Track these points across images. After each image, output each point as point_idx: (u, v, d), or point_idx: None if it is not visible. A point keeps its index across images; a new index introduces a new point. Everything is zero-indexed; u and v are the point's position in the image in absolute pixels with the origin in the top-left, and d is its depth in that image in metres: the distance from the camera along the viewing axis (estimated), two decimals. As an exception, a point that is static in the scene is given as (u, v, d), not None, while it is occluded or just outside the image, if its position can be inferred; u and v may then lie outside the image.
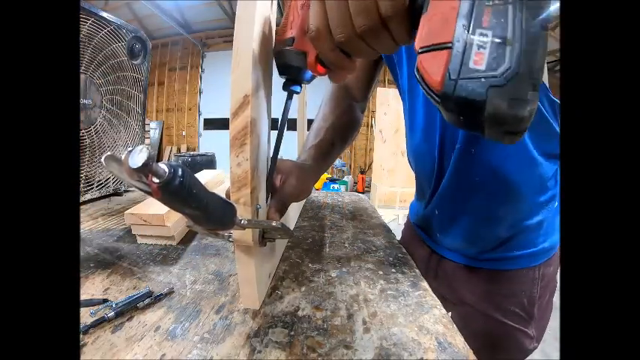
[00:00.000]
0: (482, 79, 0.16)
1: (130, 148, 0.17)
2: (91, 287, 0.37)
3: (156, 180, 0.18)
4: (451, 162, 0.47)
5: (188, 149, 6.71)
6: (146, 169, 0.17)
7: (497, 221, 0.48)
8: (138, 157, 0.16)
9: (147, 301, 0.33)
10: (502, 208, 0.47)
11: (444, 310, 0.35)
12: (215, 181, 0.81)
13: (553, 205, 0.47)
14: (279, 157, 0.35)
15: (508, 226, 0.48)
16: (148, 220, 0.49)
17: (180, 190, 0.19)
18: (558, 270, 0.51)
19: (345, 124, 0.56)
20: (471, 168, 0.46)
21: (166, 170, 0.18)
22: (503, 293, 0.50)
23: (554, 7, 0.17)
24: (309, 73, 0.31)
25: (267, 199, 0.31)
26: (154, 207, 0.51)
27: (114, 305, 0.32)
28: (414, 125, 0.54)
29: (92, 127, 0.70)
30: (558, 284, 0.52)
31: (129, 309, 0.32)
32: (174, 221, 0.51)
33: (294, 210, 0.63)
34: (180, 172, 0.19)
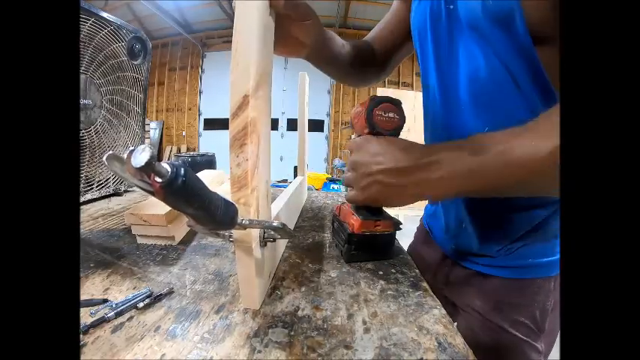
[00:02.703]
0: None
1: (131, 147, 0.17)
2: (91, 287, 0.37)
3: (158, 179, 0.18)
4: None
5: (188, 149, 6.71)
6: (149, 169, 0.17)
7: (511, 218, 0.47)
8: (140, 156, 0.16)
9: (147, 301, 0.33)
10: (515, 201, 0.46)
11: (444, 311, 0.35)
12: (215, 181, 0.81)
13: None
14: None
15: (522, 223, 0.46)
16: (148, 220, 0.49)
17: (183, 190, 0.19)
18: None
19: (354, 55, 0.57)
20: None
21: (169, 170, 0.18)
22: (514, 303, 0.48)
23: None
24: None
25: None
26: (154, 207, 0.51)
27: (114, 305, 0.32)
28: (426, 122, 0.55)
29: (92, 127, 0.70)
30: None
31: (129, 309, 0.32)
32: (175, 221, 0.51)
33: (292, 212, 0.63)
34: (182, 172, 0.18)
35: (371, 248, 0.46)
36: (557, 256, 0.47)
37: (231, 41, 0.28)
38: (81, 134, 0.67)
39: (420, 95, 0.59)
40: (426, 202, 0.66)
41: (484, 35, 0.39)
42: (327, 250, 0.50)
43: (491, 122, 0.42)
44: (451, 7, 0.44)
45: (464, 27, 0.42)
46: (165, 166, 0.18)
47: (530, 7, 0.34)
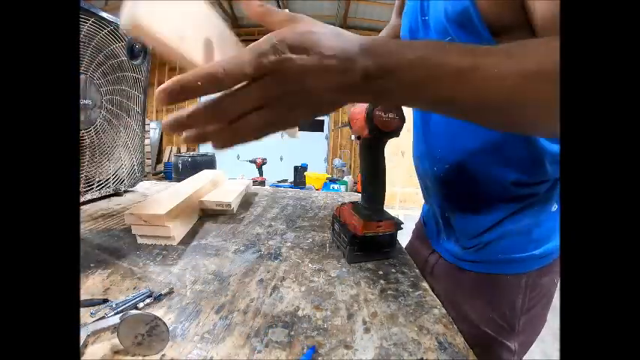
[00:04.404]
0: None
1: None
2: (91, 287, 0.37)
3: None
4: (437, 150, 0.50)
5: (188, 149, 6.70)
6: None
7: (484, 204, 0.47)
8: None
9: (147, 301, 0.33)
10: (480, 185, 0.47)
11: (444, 310, 0.35)
12: (215, 180, 0.81)
13: (547, 207, 0.47)
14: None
15: (494, 210, 0.47)
16: (148, 220, 0.49)
17: None
18: (558, 281, 0.50)
19: None
20: (449, 153, 0.48)
21: None
22: (485, 299, 0.49)
23: None
24: None
25: None
26: (153, 207, 0.51)
27: (114, 305, 0.32)
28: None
29: (92, 127, 0.70)
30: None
31: (129, 309, 0.32)
32: (174, 221, 0.51)
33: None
34: None
35: (373, 249, 0.46)
36: (528, 254, 0.47)
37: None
38: (81, 134, 0.67)
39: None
40: (412, 198, 0.69)
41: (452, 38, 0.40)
42: (327, 250, 0.50)
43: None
44: (426, 18, 0.46)
45: (434, 35, 0.43)
46: None
47: (483, 4, 0.35)
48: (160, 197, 0.58)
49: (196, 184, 0.71)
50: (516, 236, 0.47)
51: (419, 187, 0.62)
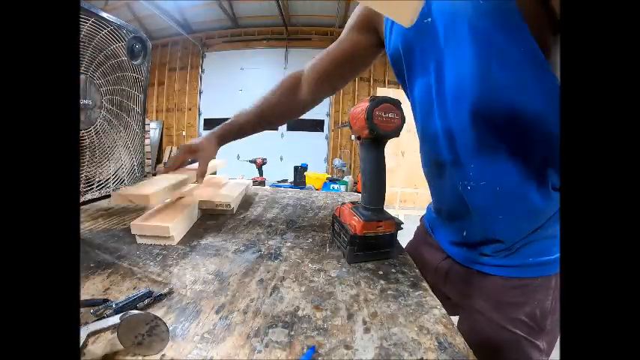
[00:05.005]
0: None
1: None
2: (91, 287, 0.37)
3: None
4: (462, 160, 0.46)
5: (188, 149, 6.70)
6: None
7: (515, 220, 0.46)
8: None
9: (147, 301, 0.33)
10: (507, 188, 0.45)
11: (444, 310, 0.35)
12: (215, 180, 0.81)
13: None
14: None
15: (525, 224, 0.46)
16: (133, 200, 0.52)
17: None
18: None
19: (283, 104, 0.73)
20: (478, 165, 0.45)
21: None
22: (514, 302, 0.48)
23: None
24: None
25: None
26: (140, 190, 0.51)
27: (114, 305, 0.32)
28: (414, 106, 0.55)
29: (92, 127, 0.70)
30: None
31: (129, 309, 0.32)
32: (175, 221, 0.51)
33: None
34: None
35: (373, 249, 0.46)
36: (557, 255, 0.47)
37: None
38: (81, 134, 0.67)
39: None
40: (412, 198, 0.67)
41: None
42: (327, 250, 0.50)
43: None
44: (428, 20, 0.44)
45: (441, 33, 0.42)
46: None
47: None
48: (149, 181, 0.61)
49: (189, 172, 0.71)
50: (545, 239, 0.47)
51: (418, 187, 0.61)
